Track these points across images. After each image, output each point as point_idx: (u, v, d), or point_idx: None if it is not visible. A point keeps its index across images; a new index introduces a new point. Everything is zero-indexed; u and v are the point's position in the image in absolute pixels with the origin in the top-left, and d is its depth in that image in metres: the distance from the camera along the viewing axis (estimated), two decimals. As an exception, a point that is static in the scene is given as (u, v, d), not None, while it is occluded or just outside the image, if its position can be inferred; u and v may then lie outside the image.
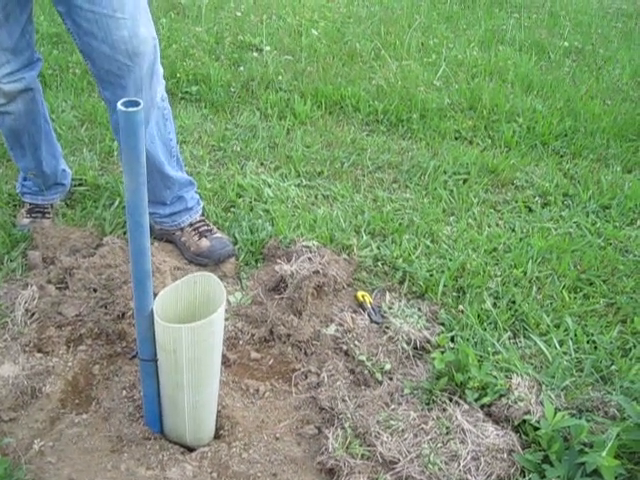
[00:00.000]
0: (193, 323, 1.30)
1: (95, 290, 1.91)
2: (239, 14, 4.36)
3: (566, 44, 4.40)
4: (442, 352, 1.75)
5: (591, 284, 2.17)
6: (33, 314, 1.86)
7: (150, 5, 1.83)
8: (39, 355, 1.75)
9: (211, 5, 4.56)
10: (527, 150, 3.03)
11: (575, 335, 1.93)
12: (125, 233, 2.13)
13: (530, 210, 2.57)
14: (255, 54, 3.76)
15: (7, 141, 2.14)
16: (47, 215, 2.26)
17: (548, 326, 1.95)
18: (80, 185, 2.45)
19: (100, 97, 3.02)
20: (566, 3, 5.85)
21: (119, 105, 1.06)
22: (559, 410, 1.59)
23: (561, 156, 3.04)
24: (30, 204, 2.27)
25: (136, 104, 1.07)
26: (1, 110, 1.95)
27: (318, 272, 1.92)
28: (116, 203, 2.34)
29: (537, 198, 2.65)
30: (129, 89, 1.82)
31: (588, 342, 1.91)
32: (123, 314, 1.85)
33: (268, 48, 3.75)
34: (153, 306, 1.33)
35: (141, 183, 1.15)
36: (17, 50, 1.83)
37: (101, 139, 2.80)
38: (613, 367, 1.81)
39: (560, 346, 1.88)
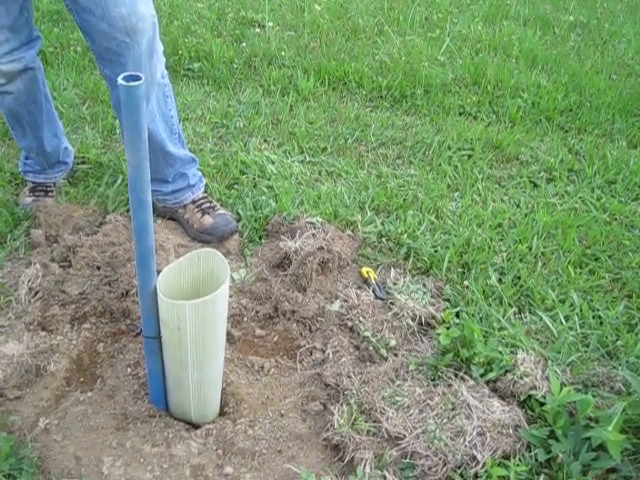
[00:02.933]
0: (197, 300, 1.29)
1: (99, 268, 1.91)
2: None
3: (571, 18, 4.36)
4: (447, 328, 1.74)
5: (596, 259, 2.16)
6: (37, 292, 1.85)
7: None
8: (43, 333, 1.75)
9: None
10: (532, 125, 3.00)
11: (581, 310, 1.92)
12: (128, 211, 2.12)
13: (535, 185, 2.56)
14: (257, 30, 3.73)
15: (8, 121, 2.12)
16: (50, 193, 2.24)
17: (554, 301, 1.94)
18: (83, 163, 2.44)
19: (101, 75, 3.02)
20: (571, -23, 5.80)
21: (120, 79, 1.04)
22: (565, 385, 1.58)
23: (566, 131, 3.02)
24: (32, 183, 2.26)
25: (137, 78, 1.05)
26: (1, 90, 1.93)
27: (322, 248, 1.91)
28: (119, 181, 2.32)
29: (542, 173, 2.63)
30: (128, 67, 1.80)
31: (594, 317, 1.90)
32: (127, 292, 1.84)
33: (271, 24, 3.71)
34: (157, 283, 1.32)
35: (143, 159, 1.13)
36: (15, 28, 1.80)
37: (103, 117, 2.78)
38: (619, 342, 1.80)
39: (566, 321, 1.87)
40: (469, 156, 2.68)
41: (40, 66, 2.00)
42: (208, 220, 2.09)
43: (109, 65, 1.82)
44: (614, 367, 1.71)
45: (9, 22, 1.78)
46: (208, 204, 2.14)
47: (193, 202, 2.14)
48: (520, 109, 3.09)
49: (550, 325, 1.84)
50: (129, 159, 1.13)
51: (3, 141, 2.59)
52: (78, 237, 2.01)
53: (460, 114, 3.06)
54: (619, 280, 2.08)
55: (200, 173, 2.21)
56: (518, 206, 2.39)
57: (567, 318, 1.88)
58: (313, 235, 1.97)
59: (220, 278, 1.38)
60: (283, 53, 3.39)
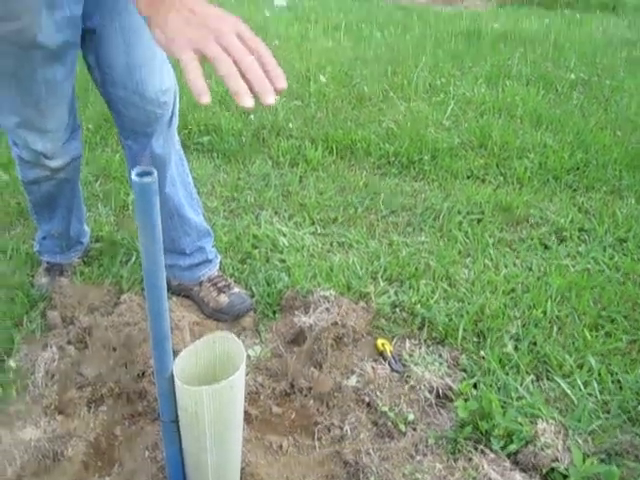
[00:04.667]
0: (213, 385, 1.29)
1: (115, 349, 1.92)
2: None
3: (572, 76, 4.42)
4: (465, 400, 1.73)
5: (612, 321, 2.15)
6: (53, 375, 1.86)
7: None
8: (60, 417, 1.75)
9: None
10: (540, 186, 3.02)
11: (599, 375, 1.90)
12: (142, 289, 2.14)
13: (546, 247, 2.56)
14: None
15: (36, 205, 2.14)
16: (65, 274, 2.27)
17: (571, 367, 1.93)
18: (97, 241, 2.48)
19: (114, 151, 3.09)
20: (570, 34, 5.90)
21: (133, 175, 1.07)
22: (587, 456, 1.56)
23: (574, 190, 3.03)
24: (48, 263, 2.29)
25: (150, 174, 1.07)
26: (43, 180, 1.97)
27: (337, 323, 1.91)
28: (132, 259, 2.35)
29: (553, 234, 2.64)
30: (154, 136, 1.85)
31: (613, 382, 1.89)
32: (143, 372, 1.85)
33: (277, 97, 3.78)
34: (173, 368, 1.33)
35: (157, 249, 1.15)
36: (63, 126, 1.85)
37: (115, 193, 2.83)
38: (640, 407, 1.79)
39: (585, 387, 1.85)
40: (479, 220, 2.70)
41: (82, 153, 2.04)
42: (224, 299, 2.10)
43: (133, 136, 1.87)
44: (637, 434, 1.69)
45: (62, 123, 1.82)
46: (223, 282, 2.16)
47: (209, 280, 2.16)
48: (527, 170, 3.12)
49: (569, 392, 1.83)
50: (143, 250, 1.15)
51: (18, 221, 2.64)
52: (94, 318, 2.03)
53: (468, 177, 3.09)
54: (636, 341, 2.07)
55: (215, 250, 2.24)
56: (530, 269, 2.40)
57: (586, 384, 1.87)
58: (327, 309, 1.98)
59: (236, 360, 1.39)
60: (291, 124, 3.45)
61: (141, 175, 1.07)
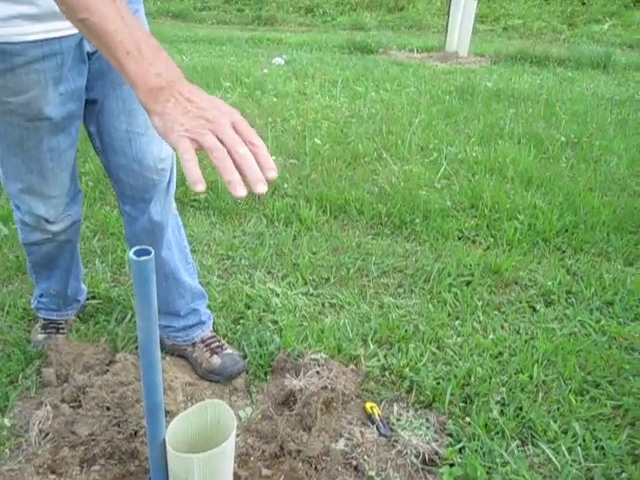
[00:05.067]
0: (204, 453, 1.33)
1: (108, 408, 1.95)
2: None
3: (563, 139, 4.51)
4: (451, 465, 1.77)
5: (597, 386, 2.19)
6: (47, 434, 1.89)
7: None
8: (52, 477, 1.77)
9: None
10: (529, 248, 3.08)
11: (584, 441, 1.93)
12: (137, 348, 2.17)
13: (534, 310, 2.61)
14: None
15: (35, 265, 2.19)
16: (61, 330, 2.31)
17: (556, 432, 1.96)
18: (93, 298, 2.51)
19: (112, 208, 3.15)
20: (561, 93, 6.04)
21: (131, 255, 1.12)
22: (569, 524, 1.59)
23: (563, 252, 3.09)
24: (45, 319, 2.32)
25: (147, 253, 1.13)
26: (44, 242, 2.02)
27: (326, 387, 1.95)
28: (128, 317, 2.39)
29: (541, 297, 2.68)
30: (152, 202, 1.91)
31: (597, 448, 1.92)
32: (135, 432, 1.87)
33: (273, 158, 3.85)
34: (165, 435, 1.37)
35: (153, 324, 1.20)
36: (65, 191, 1.91)
37: (113, 250, 2.89)
38: (624, 474, 1.81)
39: (569, 454, 1.88)
40: (468, 282, 2.75)
41: (82, 217, 2.10)
42: (216, 360, 2.14)
43: (131, 202, 1.93)
44: (619, 502, 1.72)
45: (65, 189, 1.88)
46: (217, 343, 2.19)
47: (202, 341, 2.20)
48: (517, 231, 3.18)
49: (553, 458, 1.86)
50: (139, 324, 1.20)
51: (16, 275, 2.68)
52: (88, 377, 2.06)
53: (459, 238, 3.15)
54: (621, 407, 2.10)
55: (209, 311, 2.28)
56: (518, 332, 2.44)
57: (570, 450, 1.90)
58: (317, 373, 2.01)
59: (227, 427, 1.43)
60: (286, 185, 3.52)
61: (139, 254, 1.13)
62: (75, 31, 1.49)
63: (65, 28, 1.52)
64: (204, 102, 1.04)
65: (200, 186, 0.96)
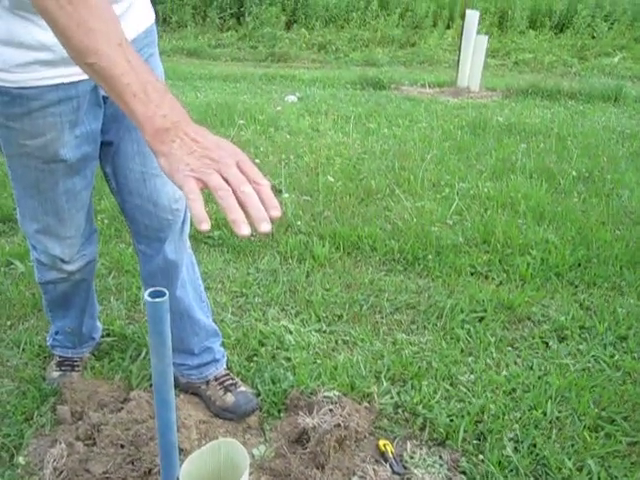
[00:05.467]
0: (218, 493, 1.34)
1: (122, 446, 1.96)
2: (258, 161, 4.56)
3: (574, 173, 4.52)
4: (465, 504, 1.76)
5: (612, 422, 2.18)
6: (61, 472, 1.90)
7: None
8: (67, 515, 1.79)
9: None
10: (542, 283, 3.08)
11: (599, 478, 1.92)
12: (151, 385, 2.19)
13: (547, 346, 2.61)
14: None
15: (51, 304, 2.23)
16: (77, 368, 2.33)
17: (570, 470, 1.95)
18: (108, 335, 2.54)
19: (127, 246, 3.18)
20: (573, 126, 6.05)
21: (146, 296, 1.15)
22: None
23: (576, 287, 3.09)
24: (60, 357, 2.35)
25: (162, 294, 1.15)
26: (59, 281, 2.06)
27: (339, 425, 1.95)
28: (142, 354, 2.41)
29: (554, 332, 2.68)
30: (167, 241, 1.94)
31: (612, 486, 1.91)
32: (150, 470, 1.88)
33: (287, 195, 3.91)
34: (179, 474, 1.38)
35: (167, 363, 1.22)
36: (81, 231, 1.94)
37: (128, 287, 2.92)
38: (639, 512, 1.81)
39: (584, 491, 1.88)
40: (481, 318, 2.75)
41: (97, 256, 2.13)
42: (230, 398, 2.15)
43: (146, 241, 1.96)
44: (634, 542, 1.71)
45: (80, 229, 1.92)
46: (230, 381, 2.21)
47: (216, 379, 2.21)
48: (530, 266, 3.19)
49: (568, 497, 1.85)
50: (154, 364, 1.22)
51: (32, 313, 2.71)
52: (103, 414, 2.07)
53: (471, 274, 3.15)
54: (637, 444, 2.09)
55: (223, 349, 2.30)
56: (531, 368, 2.44)
57: (585, 488, 1.90)
58: (330, 410, 2.02)
59: (240, 466, 1.44)
60: (299, 222, 3.55)
61: (153, 295, 1.15)
62: None
63: (80, 73, 1.56)
64: (209, 142, 1.06)
65: (205, 225, 0.98)
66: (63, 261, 1.94)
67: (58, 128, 1.63)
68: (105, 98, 1.70)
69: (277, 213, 1.01)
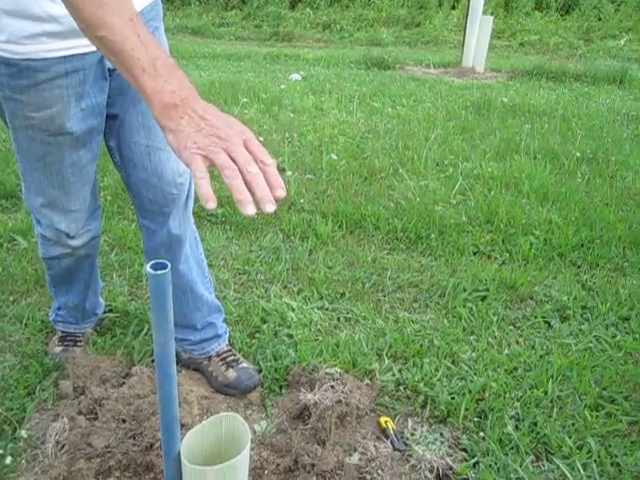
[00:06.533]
0: (218, 465, 1.34)
1: (124, 421, 1.96)
2: (262, 139, 4.54)
3: (578, 154, 4.50)
4: (465, 480, 1.77)
5: (613, 401, 2.18)
6: (63, 446, 1.90)
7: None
8: (68, 489, 1.79)
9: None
10: (545, 263, 3.08)
11: (599, 457, 1.93)
12: (153, 361, 2.19)
13: (549, 325, 2.61)
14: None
15: (54, 279, 2.22)
16: (79, 343, 2.33)
17: (571, 448, 1.95)
18: (110, 311, 2.54)
19: (136, 223, 3.18)
20: (577, 108, 6.03)
21: (148, 268, 1.14)
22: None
23: (578, 267, 3.09)
24: (62, 332, 2.35)
25: (164, 266, 1.15)
26: (63, 256, 2.06)
27: (341, 401, 1.96)
28: (144, 330, 2.41)
29: (556, 312, 2.68)
30: (171, 216, 1.93)
31: (612, 464, 1.91)
32: (151, 445, 1.89)
33: (290, 173, 3.89)
34: (180, 448, 1.38)
35: (169, 337, 1.22)
36: (85, 206, 1.94)
37: (130, 264, 2.92)
38: (639, 491, 1.81)
39: (584, 470, 1.87)
40: (484, 297, 2.75)
41: (101, 232, 2.13)
42: (232, 374, 2.16)
43: (150, 216, 1.95)
44: (634, 519, 1.71)
45: (85, 204, 1.92)
46: (232, 357, 2.21)
47: (218, 355, 2.22)
48: (532, 246, 3.18)
49: (568, 474, 1.85)
50: (155, 337, 1.22)
51: (35, 289, 2.71)
52: (105, 389, 2.08)
53: (474, 254, 3.15)
54: (637, 423, 2.09)
55: (225, 325, 2.30)
56: (533, 348, 2.44)
57: (585, 466, 1.89)
58: (332, 387, 2.02)
59: (242, 440, 1.44)
60: (302, 200, 3.55)
61: (155, 268, 1.15)
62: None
63: (87, 45, 1.55)
64: (217, 120, 1.06)
65: (212, 203, 0.98)
66: (68, 236, 1.94)
67: (64, 100, 1.62)
68: (111, 71, 1.70)
69: (282, 193, 1.02)
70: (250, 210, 0.98)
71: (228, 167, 1.00)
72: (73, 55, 1.57)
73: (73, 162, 1.77)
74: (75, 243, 1.97)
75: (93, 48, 1.56)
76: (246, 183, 1.00)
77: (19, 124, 1.68)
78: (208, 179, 1.00)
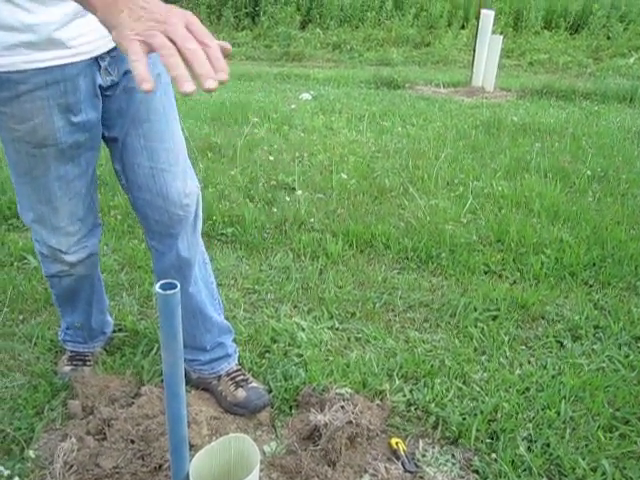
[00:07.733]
0: (228, 487, 1.34)
1: (133, 441, 1.96)
2: (272, 158, 4.56)
3: (589, 172, 4.49)
4: (477, 503, 1.75)
5: (627, 422, 2.15)
6: (72, 466, 1.90)
7: (189, 144, 1.97)
8: (77, 509, 1.78)
9: (245, 146, 4.79)
10: (556, 282, 3.06)
11: (613, 479, 1.90)
12: (162, 381, 2.18)
13: (561, 345, 2.58)
14: (287, 198, 3.91)
15: (59, 299, 2.24)
16: (88, 363, 2.33)
17: (584, 470, 1.93)
18: (120, 330, 2.54)
19: (141, 242, 3.19)
20: (587, 127, 6.01)
21: (157, 288, 1.14)
22: None
23: (590, 286, 3.07)
24: (71, 352, 2.36)
25: (173, 286, 1.15)
26: (62, 275, 2.06)
27: (351, 422, 1.94)
28: (154, 350, 2.41)
29: (568, 332, 2.66)
30: (179, 237, 1.93)
31: (627, 487, 1.89)
32: (160, 466, 1.88)
33: (300, 192, 3.90)
34: (189, 469, 1.38)
35: (178, 357, 1.22)
36: (84, 218, 1.94)
37: (140, 283, 2.92)
38: (654, 514, 1.78)
39: (598, 492, 1.86)
40: (495, 317, 2.73)
41: (98, 251, 2.13)
42: (241, 394, 2.14)
43: (157, 237, 1.96)
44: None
45: (81, 214, 1.92)
46: (242, 377, 2.20)
47: (227, 374, 2.21)
48: (544, 266, 3.16)
49: (582, 497, 1.83)
50: (165, 357, 1.22)
51: (44, 308, 2.71)
52: (113, 409, 2.07)
53: (485, 273, 3.13)
54: (651, 444, 2.08)
55: (235, 344, 2.30)
56: (545, 368, 2.41)
57: (599, 489, 1.87)
58: (342, 407, 2.01)
59: (251, 462, 1.44)
60: (312, 219, 3.55)
61: (164, 288, 1.15)
62: (76, 59, 1.58)
63: (66, 56, 1.59)
64: (157, 7, 1.03)
65: (147, 84, 0.93)
66: (61, 252, 1.95)
67: (46, 112, 1.64)
68: (103, 90, 1.71)
69: (224, 76, 0.96)
70: (188, 87, 0.92)
71: (164, 47, 0.96)
72: (52, 67, 1.59)
73: (60, 176, 1.78)
74: (70, 259, 1.98)
75: (73, 59, 1.60)
76: (185, 61, 0.95)
77: (6, 136, 1.72)
78: (144, 61, 0.96)
